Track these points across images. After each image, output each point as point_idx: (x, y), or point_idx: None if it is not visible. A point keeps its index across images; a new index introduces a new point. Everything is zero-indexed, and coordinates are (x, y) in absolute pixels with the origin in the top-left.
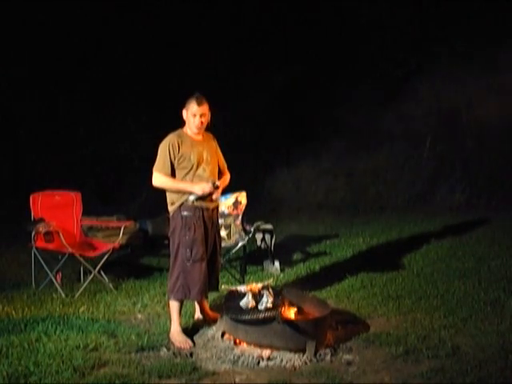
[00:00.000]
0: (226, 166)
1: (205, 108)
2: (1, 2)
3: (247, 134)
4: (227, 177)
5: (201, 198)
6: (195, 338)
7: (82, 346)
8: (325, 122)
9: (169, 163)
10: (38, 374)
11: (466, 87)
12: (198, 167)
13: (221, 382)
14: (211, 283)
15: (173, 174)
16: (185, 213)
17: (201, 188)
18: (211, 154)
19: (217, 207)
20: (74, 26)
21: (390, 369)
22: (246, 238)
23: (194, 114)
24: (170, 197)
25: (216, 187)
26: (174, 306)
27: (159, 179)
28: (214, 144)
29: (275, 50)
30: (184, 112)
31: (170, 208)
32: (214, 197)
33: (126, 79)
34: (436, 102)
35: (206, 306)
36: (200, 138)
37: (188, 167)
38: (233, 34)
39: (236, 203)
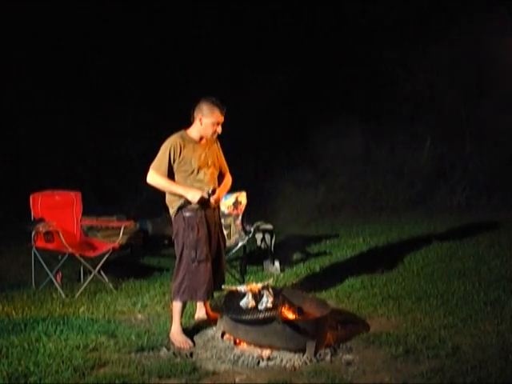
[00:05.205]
0: (227, 168)
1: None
2: (1, 1)
3: (247, 134)
4: (229, 180)
5: (198, 203)
6: (195, 338)
7: (82, 346)
8: (325, 122)
9: (166, 165)
10: (38, 373)
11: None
12: (198, 171)
13: (221, 382)
14: (217, 282)
15: (170, 176)
16: (187, 214)
17: (193, 195)
18: (212, 158)
19: (218, 206)
20: (74, 26)
21: (390, 369)
22: (246, 238)
23: (218, 123)
24: (168, 198)
25: (210, 195)
26: (177, 306)
27: (154, 178)
28: (216, 147)
29: (275, 51)
30: (200, 117)
31: (171, 210)
32: (212, 202)
33: (126, 79)
34: (436, 101)
35: (207, 305)
36: (203, 141)
37: (189, 171)
38: (233, 34)
39: (236, 203)
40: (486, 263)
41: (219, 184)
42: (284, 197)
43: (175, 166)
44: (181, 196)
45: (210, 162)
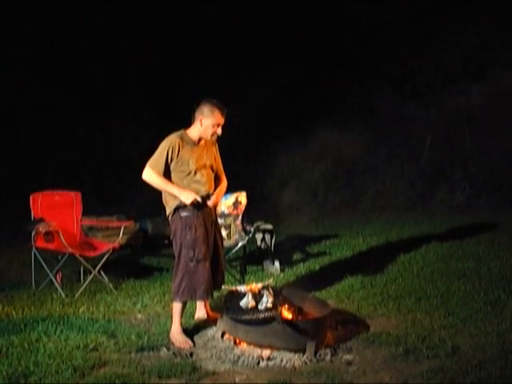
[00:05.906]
0: (223, 172)
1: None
2: (2, 2)
3: (248, 133)
4: (224, 184)
5: (191, 205)
6: (195, 338)
7: (82, 345)
8: (325, 122)
9: (163, 164)
10: (38, 373)
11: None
12: (196, 173)
13: (221, 382)
14: (216, 281)
15: (166, 175)
16: (184, 213)
17: (187, 197)
18: (210, 160)
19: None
20: (74, 25)
21: (389, 369)
22: (246, 238)
23: (218, 125)
24: (165, 197)
25: (205, 199)
26: (177, 307)
27: (150, 175)
28: (215, 149)
29: (275, 50)
30: (201, 118)
31: (167, 210)
32: (210, 205)
33: (126, 79)
34: (436, 101)
35: (207, 305)
36: (202, 142)
37: (186, 171)
38: (232, 34)
39: (236, 203)
40: (486, 263)
41: (215, 187)
42: (284, 197)
43: (172, 166)
44: (176, 196)
45: (207, 164)
